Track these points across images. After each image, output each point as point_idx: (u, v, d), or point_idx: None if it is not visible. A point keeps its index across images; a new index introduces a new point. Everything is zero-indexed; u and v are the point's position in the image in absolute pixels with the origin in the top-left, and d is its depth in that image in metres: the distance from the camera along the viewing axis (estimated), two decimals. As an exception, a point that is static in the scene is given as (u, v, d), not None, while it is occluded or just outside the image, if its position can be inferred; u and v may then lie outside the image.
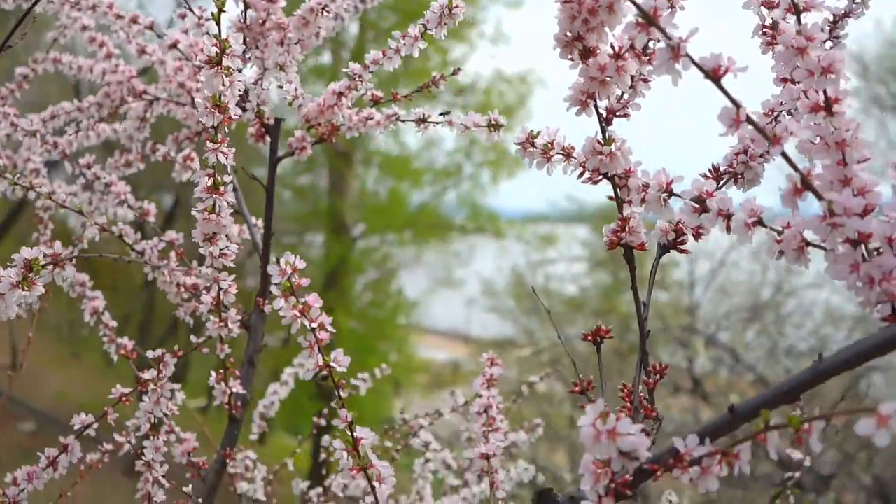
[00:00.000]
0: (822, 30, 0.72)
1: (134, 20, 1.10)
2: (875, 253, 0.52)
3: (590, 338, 0.67)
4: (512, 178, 12.82)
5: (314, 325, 0.61)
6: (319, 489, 1.32)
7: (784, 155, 0.51)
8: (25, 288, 0.67)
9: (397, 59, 0.90)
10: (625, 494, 0.55)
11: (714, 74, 0.51)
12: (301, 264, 0.61)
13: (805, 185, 0.51)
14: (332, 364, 0.62)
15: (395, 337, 11.54)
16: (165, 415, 0.96)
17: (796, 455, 1.08)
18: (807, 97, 0.55)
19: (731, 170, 0.68)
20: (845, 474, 5.91)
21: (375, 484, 0.64)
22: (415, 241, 13.91)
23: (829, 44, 0.72)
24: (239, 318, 0.90)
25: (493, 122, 0.84)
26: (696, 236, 0.67)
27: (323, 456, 1.34)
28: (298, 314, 0.61)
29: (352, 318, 11.46)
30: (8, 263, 0.67)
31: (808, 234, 0.55)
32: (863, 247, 0.53)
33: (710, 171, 0.69)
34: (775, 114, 0.68)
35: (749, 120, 0.50)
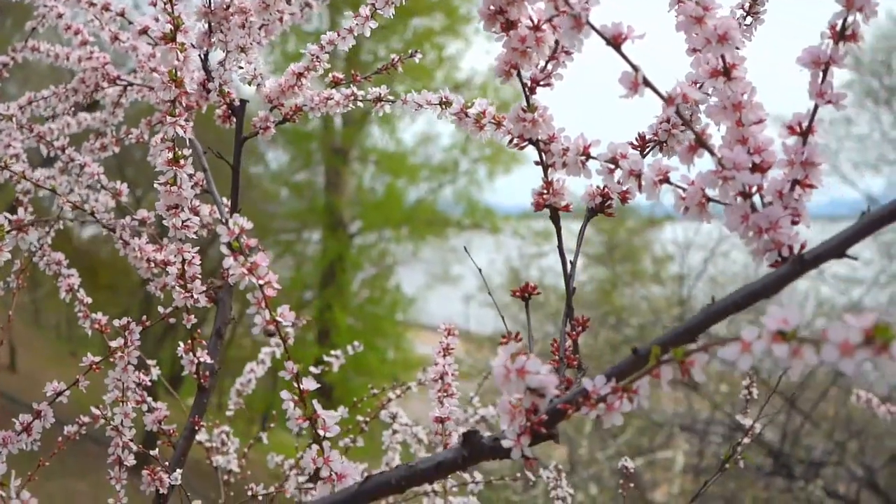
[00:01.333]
0: (742, 6, 0.77)
1: (105, 7, 1.14)
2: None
3: (518, 294, 0.71)
4: (508, 174, 12.86)
5: (262, 282, 0.66)
6: (292, 461, 1.37)
7: (679, 114, 0.55)
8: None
9: (351, 39, 0.95)
10: (541, 433, 0.59)
11: (615, 41, 0.55)
12: (248, 225, 0.65)
13: (699, 142, 0.55)
14: (278, 319, 0.67)
15: (393, 333, 11.58)
16: (137, 384, 1.01)
17: (746, 421, 1.12)
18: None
19: (655, 138, 0.72)
20: (836, 464, 5.97)
21: (320, 432, 0.69)
22: (411, 238, 13.94)
23: (749, 19, 0.76)
24: (204, 289, 0.94)
25: (444, 100, 0.88)
26: (623, 200, 0.71)
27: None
28: (247, 272, 0.65)
29: (349, 314, 11.51)
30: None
31: (710, 192, 0.59)
32: (757, 199, 0.57)
33: (636, 138, 0.73)
34: (698, 85, 0.73)
35: (646, 82, 0.55)
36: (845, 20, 0.55)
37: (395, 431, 1.33)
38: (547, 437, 0.60)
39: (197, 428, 1.02)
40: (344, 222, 12.74)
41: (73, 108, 1.23)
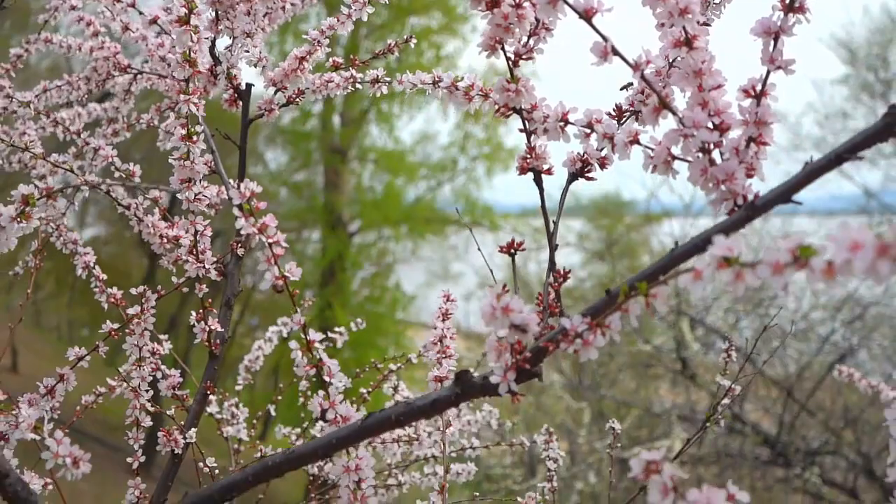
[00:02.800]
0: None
1: (117, -1, 1.20)
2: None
3: (504, 250, 0.78)
4: (507, 171, 12.92)
5: (271, 240, 0.72)
6: (298, 430, 1.43)
7: (644, 79, 0.62)
8: (23, 220, 0.78)
9: (350, 24, 1.01)
10: (526, 370, 0.65)
11: (587, 15, 0.62)
12: (258, 189, 0.72)
13: (663, 104, 0.62)
14: (286, 274, 0.73)
15: (393, 332, 11.63)
16: (150, 352, 1.07)
17: (724, 382, 1.19)
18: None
19: (631, 108, 0.79)
20: (832, 452, 6.04)
21: (326, 378, 0.75)
22: (411, 236, 14.00)
23: (716, -2, 0.82)
24: (215, 258, 1.01)
25: (437, 79, 0.94)
26: (602, 166, 0.78)
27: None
28: (257, 231, 0.72)
29: (349, 313, 11.56)
30: (8, 199, 0.78)
31: (675, 151, 0.66)
32: (716, 155, 0.64)
33: (613, 108, 0.79)
34: (671, 59, 0.79)
35: (614, 51, 0.61)
36: (794, -6, 0.62)
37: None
38: (531, 374, 0.67)
39: (209, 392, 1.08)
40: (343, 221, 12.79)
41: (85, 97, 1.30)
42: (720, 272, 0.49)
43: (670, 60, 0.69)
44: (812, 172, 0.57)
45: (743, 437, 6.03)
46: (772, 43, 0.63)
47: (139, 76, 1.29)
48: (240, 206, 0.72)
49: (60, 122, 1.23)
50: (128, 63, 1.29)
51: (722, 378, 1.17)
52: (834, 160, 0.56)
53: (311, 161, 12.90)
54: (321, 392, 0.75)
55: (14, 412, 0.77)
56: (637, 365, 6.78)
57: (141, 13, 1.20)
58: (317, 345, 0.76)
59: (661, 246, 10.84)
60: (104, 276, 1.21)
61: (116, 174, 1.17)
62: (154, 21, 1.17)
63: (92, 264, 1.21)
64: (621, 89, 0.78)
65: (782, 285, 0.45)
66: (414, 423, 1.30)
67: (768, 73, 0.63)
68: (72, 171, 1.07)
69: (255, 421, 1.48)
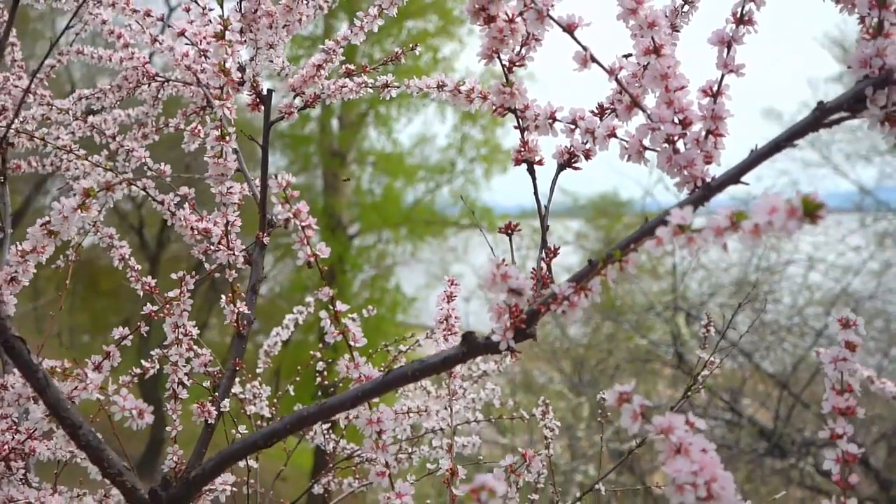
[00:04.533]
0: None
1: (147, 14, 1.32)
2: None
3: (503, 231, 0.90)
4: (505, 173, 13.03)
5: (304, 224, 0.84)
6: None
7: (618, 81, 0.74)
8: (83, 210, 0.89)
9: (362, 35, 1.13)
10: (523, 331, 0.77)
11: (569, 28, 0.73)
12: (293, 180, 0.84)
13: (634, 103, 0.74)
14: (317, 252, 0.85)
15: (394, 334, 11.73)
16: (184, 333, 1.19)
17: (703, 354, 1.30)
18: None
19: (611, 106, 0.91)
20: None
21: (352, 342, 0.87)
22: (410, 238, 14.11)
23: (686, 7, 0.94)
24: (244, 247, 1.13)
25: (440, 83, 1.06)
26: (587, 157, 0.89)
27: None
28: (292, 216, 0.84)
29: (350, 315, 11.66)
30: (70, 193, 0.90)
31: (646, 142, 0.78)
32: (680, 145, 0.75)
33: (596, 107, 0.91)
34: (643, 64, 0.91)
35: (592, 59, 0.73)
36: (743, 8, 0.74)
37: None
38: (527, 335, 0.79)
39: (238, 368, 1.20)
40: (343, 224, 12.89)
41: (117, 104, 1.42)
42: (676, 238, 0.61)
43: (643, 65, 0.81)
44: (757, 157, 0.69)
45: (740, 429, 6.15)
46: (725, 50, 0.74)
47: (166, 84, 1.41)
48: (277, 195, 0.83)
49: (97, 126, 1.34)
50: (155, 72, 1.41)
51: (701, 351, 1.29)
52: (774, 147, 0.68)
53: (310, 164, 13.00)
54: (346, 355, 0.87)
55: (81, 375, 0.88)
56: (635, 360, 6.90)
57: (169, 26, 1.31)
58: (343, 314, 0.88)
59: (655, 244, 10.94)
60: (139, 266, 1.33)
61: (149, 173, 1.29)
62: (181, 34, 1.29)
63: (128, 256, 1.33)
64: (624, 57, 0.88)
65: (722, 244, 0.57)
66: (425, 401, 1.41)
67: (722, 76, 0.75)
68: (111, 170, 1.19)
69: (276, 400, 1.59)
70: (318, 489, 1.60)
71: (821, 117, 0.67)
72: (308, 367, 1.69)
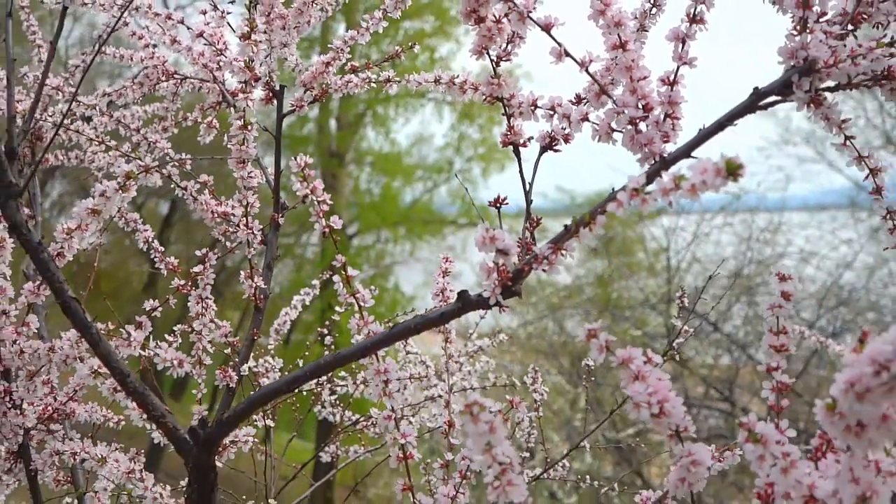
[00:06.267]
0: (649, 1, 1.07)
1: (168, 17, 1.45)
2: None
3: (492, 204, 1.02)
4: (503, 172, 13.14)
5: (319, 199, 0.97)
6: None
7: (588, 73, 0.86)
8: (124, 191, 1.02)
9: (367, 35, 1.26)
10: (509, 288, 0.89)
11: (546, 27, 0.86)
12: (311, 160, 0.96)
13: (602, 91, 0.87)
14: (331, 224, 0.98)
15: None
16: (206, 307, 1.31)
17: (677, 323, 1.43)
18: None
19: (586, 95, 1.03)
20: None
21: (361, 303, 1.00)
22: (408, 238, 14.21)
23: (654, 9, 1.07)
24: (261, 227, 1.25)
25: (437, 78, 1.19)
26: (566, 140, 1.02)
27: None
28: (309, 192, 0.96)
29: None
30: (112, 177, 1.03)
31: (614, 125, 0.90)
32: (643, 126, 0.88)
33: (575, 96, 1.04)
34: (612, 57, 1.03)
35: (566, 53, 0.86)
36: (695, 9, 0.87)
37: (408, 352, 1.64)
38: (513, 292, 0.91)
39: (255, 338, 1.33)
40: (342, 224, 12.91)
41: (140, 100, 1.54)
42: (633, 199, 0.73)
43: (612, 58, 0.93)
44: (703, 136, 0.82)
45: (734, 418, 6.28)
46: (680, 45, 0.87)
47: (184, 81, 1.53)
48: (295, 174, 0.96)
49: (122, 121, 1.47)
50: (174, 70, 1.54)
51: (676, 318, 1.41)
52: (717, 126, 0.81)
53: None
54: (356, 315, 1.00)
55: (124, 334, 1.01)
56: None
57: (189, 28, 1.44)
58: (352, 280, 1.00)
59: (657, 245, 11.10)
60: (161, 248, 1.45)
61: (171, 163, 1.41)
62: (200, 35, 1.41)
63: (151, 238, 1.45)
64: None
65: (668, 202, 0.69)
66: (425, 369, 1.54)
67: (678, 67, 0.87)
68: (139, 158, 1.31)
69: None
70: (325, 457, 1.72)
71: (756, 100, 0.80)
72: (317, 341, 1.81)
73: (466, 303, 0.92)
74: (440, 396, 1.51)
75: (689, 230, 8.81)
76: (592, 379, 1.49)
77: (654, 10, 1.07)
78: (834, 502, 0.67)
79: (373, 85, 1.34)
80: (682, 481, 0.76)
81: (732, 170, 0.63)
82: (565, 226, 0.87)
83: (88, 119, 1.59)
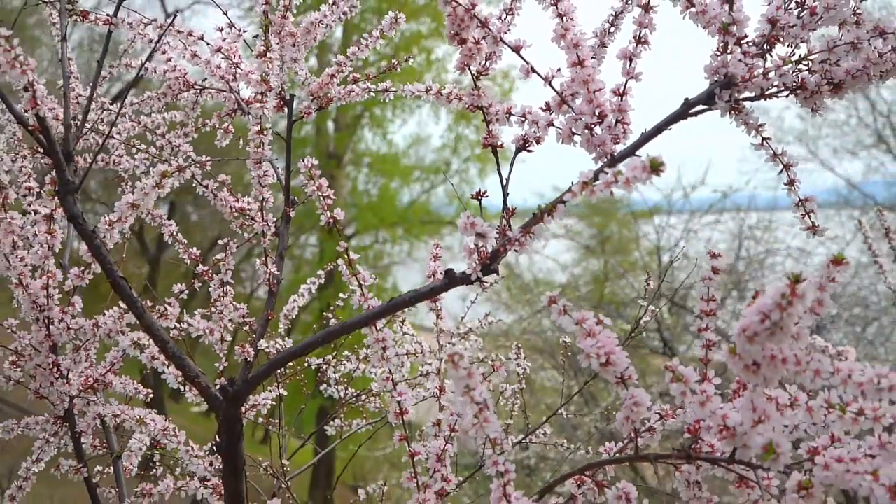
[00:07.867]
0: (608, 20, 1.25)
1: (190, 34, 1.62)
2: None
3: (475, 196, 1.20)
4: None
5: (324, 195, 1.15)
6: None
7: (551, 86, 1.04)
8: (160, 188, 1.20)
9: (366, 51, 1.43)
10: (488, 266, 1.07)
11: (516, 49, 1.04)
12: (316, 162, 1.14)
13: (562, 101, 1.04)
14: (335, 215, 1.16)
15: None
16: (224, 292, 1.49)
17: (642, 303, 1.60)
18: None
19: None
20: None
21: (363, 283, 1.17)
22: (406, 238, 14.37)
23: (612, 28, 1.24)
24: (275, 219, 1.43)
25: (428, 88, 1.36)
26: (538, 142, 1.20)
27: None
28: (316, 189, 1.14)
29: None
30: (146, 178, 1.20)
31: (573, 129, 1.08)
32: (598, 130, 1.06)
33: (544, 104, 1.21)
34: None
35: (533, 70, 1.03)
36: (640, 33, 1.04)
37: (405, 333, 1.82)
38: (491, 270, 1.09)
39: (270, 318, 1.50)
40: (340, 225, 13.05)
41: (164, 107, 1.72)
42: (583, 191, 0.91)
43: (572, 73, 1.11)
44: (644, 139, 0.99)
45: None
46: (628, 62, 1.05)
47: (203, 91, 1.71)
48: (304, 173, 1.14)
49: (149, 127, 1.64)
50: (194, 81, 1.71)
51: (641, 300, 1.58)
52: (656, 130, 0.98)
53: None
54: (359, 291, 1.17)
55: (162, 310, 1.18)
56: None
57: (208, 44, 1.62)
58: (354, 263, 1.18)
59: (652, 244, 11.28)
60: (185, 241, 1.63)
61: (193, 164, 1.59)
62: (218, 50, 1.59)
63: (175, 232, 1.63)
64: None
65: (641, 184, 0.87)
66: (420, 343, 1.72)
67: (626, 81, 1.05)
68: (167, 161, 1.49)
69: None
70: (330, 431, 1.90)
71: (686, 108, 0.98)
72: (321, 322, 1.99)
73: (452, 279, 1.09)
74: (437, 373, 1.69)
75: (680, 228, 9.01)
76: (571, 354, 1.67)
77: (612, 29, 1.25)
78: (741, 429, 0.84)
79: (372, 94, 1.51)
80: (627, 419, 0.94)
81: (655, 167, 0.80)
82: (533, 213, 1.05)
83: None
